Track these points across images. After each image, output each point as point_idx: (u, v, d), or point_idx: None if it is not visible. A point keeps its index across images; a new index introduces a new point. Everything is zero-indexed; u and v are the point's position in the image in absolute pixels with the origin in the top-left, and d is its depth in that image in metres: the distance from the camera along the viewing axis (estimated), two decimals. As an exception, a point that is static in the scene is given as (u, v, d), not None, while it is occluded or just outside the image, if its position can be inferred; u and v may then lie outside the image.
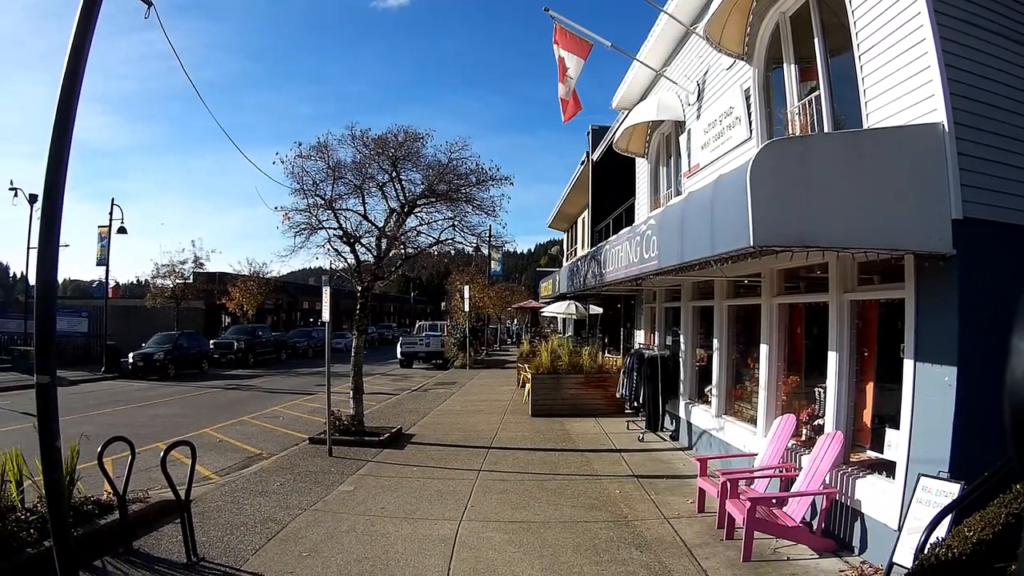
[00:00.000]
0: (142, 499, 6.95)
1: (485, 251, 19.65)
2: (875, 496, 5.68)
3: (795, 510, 6.07)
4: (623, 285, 11.75)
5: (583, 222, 27.43)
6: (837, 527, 6.13)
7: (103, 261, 29.67)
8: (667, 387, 11.26)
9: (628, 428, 12.19)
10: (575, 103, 10.88)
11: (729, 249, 5.19)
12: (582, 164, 23.27)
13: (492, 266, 41.35)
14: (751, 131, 8.36)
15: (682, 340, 11.22)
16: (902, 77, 5.54)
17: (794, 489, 6.35)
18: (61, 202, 4.59)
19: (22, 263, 27.69)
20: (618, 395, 12.92)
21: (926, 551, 4.01)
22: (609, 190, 20.64)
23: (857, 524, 5.89)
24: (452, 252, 14.27)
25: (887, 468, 5.77)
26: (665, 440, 11.38)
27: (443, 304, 61.93)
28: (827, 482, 6.07)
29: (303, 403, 17.86)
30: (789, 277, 7.85)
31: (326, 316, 10.69)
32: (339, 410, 11.40)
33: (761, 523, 5.86)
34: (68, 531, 4.64)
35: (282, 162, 11.78)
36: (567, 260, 31.89)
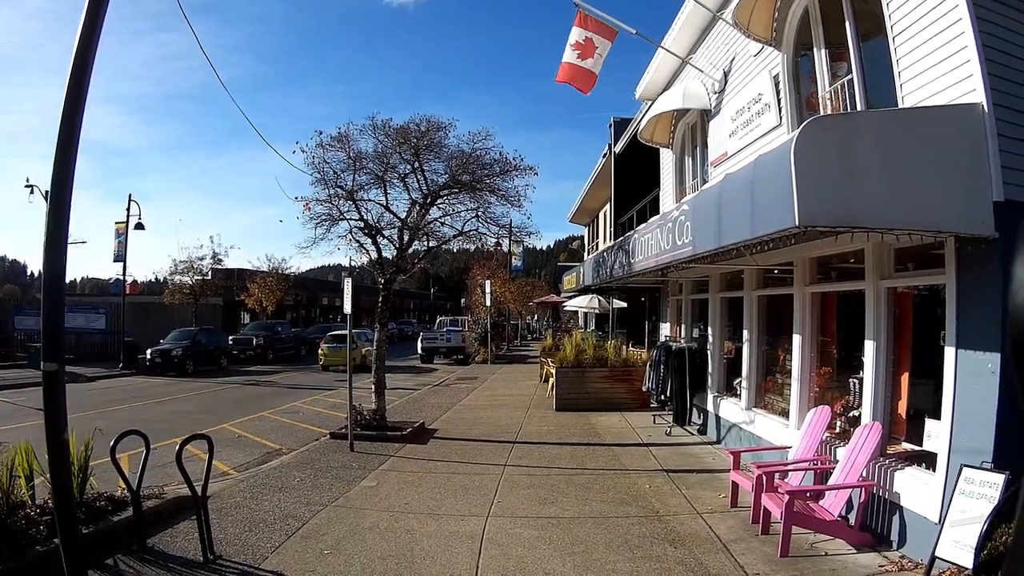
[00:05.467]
0: (157, 495, 6.84)
1: (509, 242, 19.57)
2: (915, 488, 5.53)
3: (832, 504, 5.92)
4: (648, 277, 11.63)
5: (605, 216, 27.27)
6: (874, 521, 5.98)
7: (120, 257, 29.67)
8: (695, 380, 11.11)
9: (655, 422, 12.05)
10: (591, 83, 10.74)
11: (772, 231, 5.02)
12: (604, 157, 23.07)
13: (513, 261, 41.32)
14: (781, 117, 8.21)
15: (710, 332, 11.06)
16: (938, 58, 5.39)
17: (831, 482, 6.19)
18: (71, 178, 4.53)
19: (40, 262, 27.61)
20: (644, 388, 12.78)
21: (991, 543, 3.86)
22: (631, 183, 20.41)
23: (895, 517, 5.74)
24: (474, 247, 14.15)
25: (926, 459, 5.61)
26: (693, 434, 11.24)
27: (463, 300, 62.05)
28: (864, 475, 5.92)
29: (323, 399, 17.90)
30: (822, 266, 7.69)
31: (348, 308, 10.63)
32: (360, 404, 11.37)
33: (799, 517, 5.71)
34: (75, 527, 4.48)
35: (303, 151, 11.77)
36: (588, 254, 31.75)
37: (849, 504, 6.06)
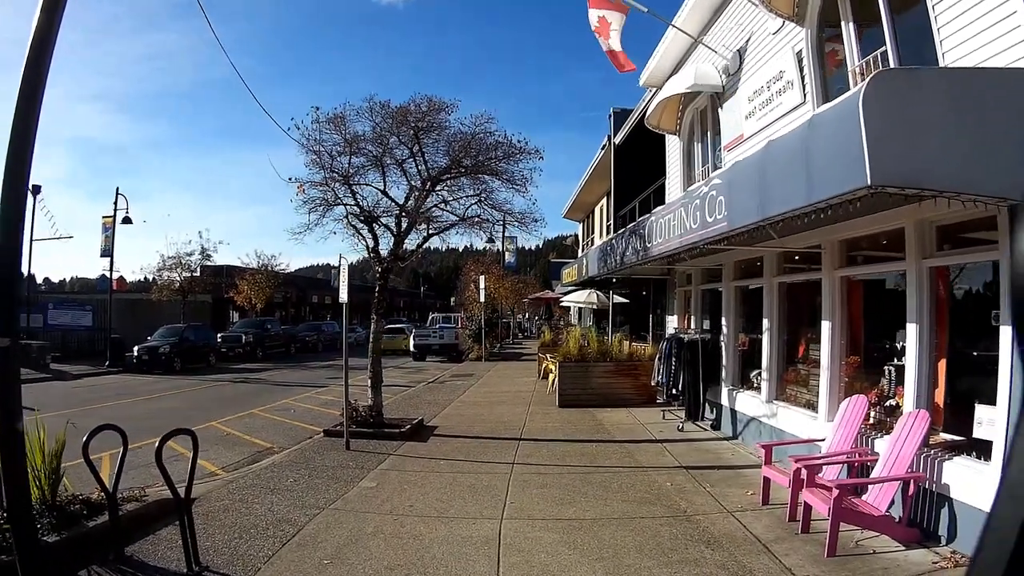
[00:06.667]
0: (138, 498, 6.28)
1: (511, 231, 19.02)
2: (967, 479, 5.16)
3: (879, 498, 5.52)
4: (655, 267, 11.31)
5: (601, 210, 26.88)
6: (921, 515, 5.61)
7: (107, 252, 28.77)
8: (708, 373, 10.72)
9: (664, 418, 11.67)
10: (625, 58, 10.36)
11: (834, 193, 4.56)
12: (603, 149, 22.61)
13: (506, 257, 40.91)
14: (805, 95, 7.83)
15: (724, 323, 10.66)
16: (983, 25, 5.08)
17: (874, 475, 5.80)
18: (41, 91, 3.87)
19: (29, 261, 26.81)
20: (653, 383, 12.33)
21: None
22: (633, 174, 19.89)
23: (944, 511, 5.38)
24: (465, 244, 13.70)
25: (978, 448, 5.24)
26: (706, 430, 10.86)
27: (452, 299, 61.71)
28: (911, 466, 5.53)
29: (315, 395, 17.37)
30: (851, 248, 7.32)
31: (344, 296, 10.08)
32: (356, 401, 10.90)
33: (846, 513, 5.31)
34: (34, 533, 3.87)
35: (298, 127, 11.24)
36: (582, 251, 31.37)
37: (892, 499, 5.68)
